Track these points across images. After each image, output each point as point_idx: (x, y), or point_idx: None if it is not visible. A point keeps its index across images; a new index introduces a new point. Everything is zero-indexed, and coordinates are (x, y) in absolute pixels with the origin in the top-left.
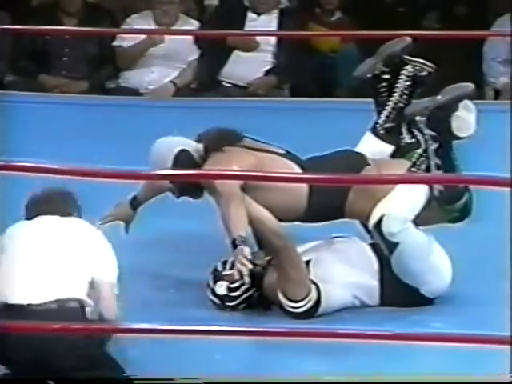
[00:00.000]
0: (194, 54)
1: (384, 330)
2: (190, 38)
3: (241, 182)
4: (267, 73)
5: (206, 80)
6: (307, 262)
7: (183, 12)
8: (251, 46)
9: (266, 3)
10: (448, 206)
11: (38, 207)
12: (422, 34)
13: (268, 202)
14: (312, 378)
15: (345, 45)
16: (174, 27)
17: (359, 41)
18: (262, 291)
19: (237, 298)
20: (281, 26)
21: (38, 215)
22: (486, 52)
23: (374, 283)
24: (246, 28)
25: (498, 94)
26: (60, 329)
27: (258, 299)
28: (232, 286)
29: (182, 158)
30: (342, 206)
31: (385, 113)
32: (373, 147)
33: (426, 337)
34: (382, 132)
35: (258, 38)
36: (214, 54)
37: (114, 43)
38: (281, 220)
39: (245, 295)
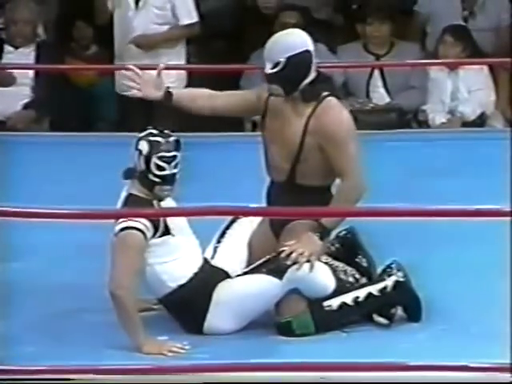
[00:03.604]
0: None
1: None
2: None
3: None
4: (26, 107)
5: None
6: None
7: None
8: (9, 81)
9: (22, 37)
10: None
11: None
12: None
13: None
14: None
15: (102, 78)
16: None
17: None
18: None
19: None
20: (38, 59)
21: None
22: (243, 86)
23: None
24: (3, 61)
25: (255, 126)
26: None
27: None
28: None
29: None
30: None
31: None
32: None
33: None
34: None
35: (16, 72)
36: None
37: None
38: None
39: None
